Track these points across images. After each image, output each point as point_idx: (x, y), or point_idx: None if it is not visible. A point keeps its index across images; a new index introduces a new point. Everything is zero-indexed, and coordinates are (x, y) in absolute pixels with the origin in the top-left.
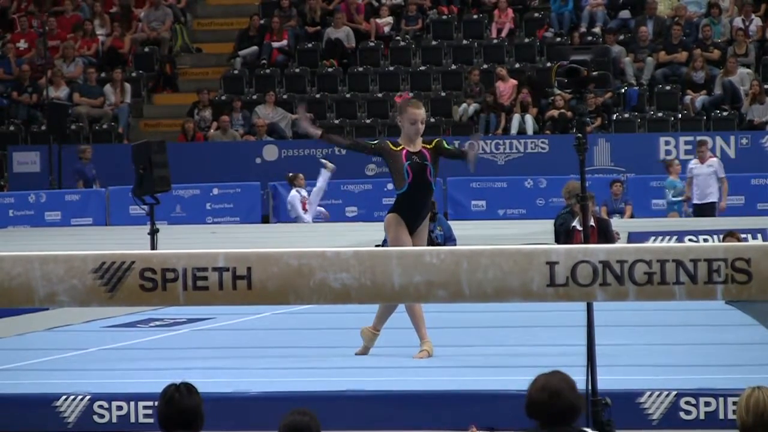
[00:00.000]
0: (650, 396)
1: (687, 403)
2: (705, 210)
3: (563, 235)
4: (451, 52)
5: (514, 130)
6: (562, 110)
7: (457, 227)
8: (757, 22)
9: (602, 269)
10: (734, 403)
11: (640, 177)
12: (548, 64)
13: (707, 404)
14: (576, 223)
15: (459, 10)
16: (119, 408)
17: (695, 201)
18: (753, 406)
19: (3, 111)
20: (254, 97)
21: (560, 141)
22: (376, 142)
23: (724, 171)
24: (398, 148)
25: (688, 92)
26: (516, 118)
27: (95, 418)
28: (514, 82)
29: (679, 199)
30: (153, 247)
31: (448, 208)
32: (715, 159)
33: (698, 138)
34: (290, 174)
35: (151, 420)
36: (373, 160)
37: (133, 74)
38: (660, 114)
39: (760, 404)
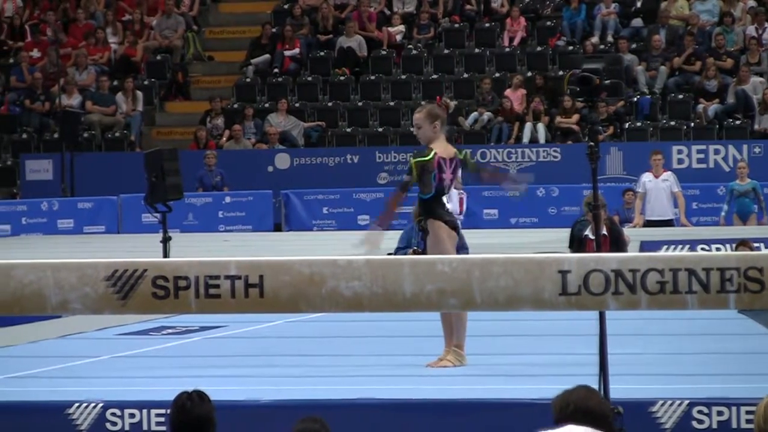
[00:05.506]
0: (663, 405)
1: (699, 412)
2: (659, 227)
3: (576, 241)
4: (463, 61)
5: (525, 139)
6: (571, 120)
7: (469, 236)
8: None
9: (614, 278)
10: (747, 412)
11: None
12: (560, 73)
13: (720, 413)
14: (588, 232)
15: (471, 18)
16: (132, 415)
17: (649, 217)
18: None
19: (15, 119)
20: (266, 105)
21: (572, 149)
22: (410, 176)
23: (679, 184)
24: (430, 157)
25: (701, 101)
26: (528, 126)
27: (108, 425)
28: (523, 91)
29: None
30: (165, 255)
31: None
32: (669, 172)
33: (656, 149)
34: None
35: (163, 428)
36: (385, 168)
37: (145, 82)
38: (672, 123)
39: None
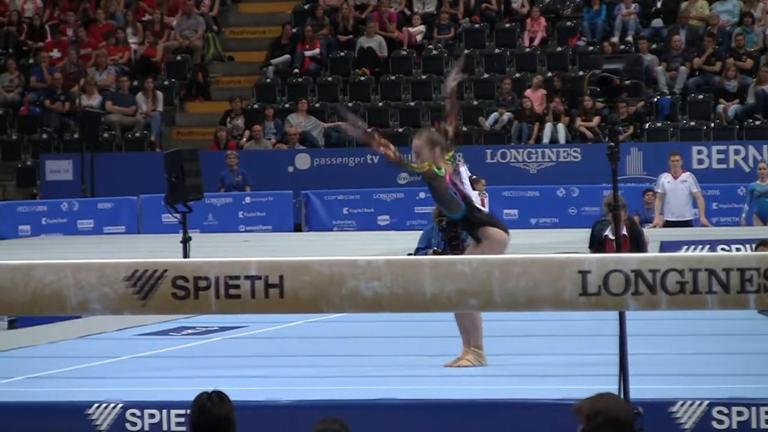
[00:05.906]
0: (682, 405)
1: (719, 412)
2: (679, 227)
3: (597, 241)
4: (484, 61)
5: (546, 139)
6: (591, 124)
7: None
8: None
9: (634, 278)
10: (767, 413)
11: None
12: (581, 73)
13: (740, 413)
14: (608, 232)
15: (491, 18)
16: (151, 416)
17: (668, 218)
18: None
19: (36, 119)
20: (286, 105)
21: (592, 150)
22: (415, 164)
23: (698, 185)
24: (442, 174)
25: (721, 101)
26: (548, 127)
27: (127, 425)
28: (543, 91)
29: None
30: (185, 255)
31: None
32: (688, 173)
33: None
34: (473, 176)
35: (183, 428)
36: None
37: (166, 82)
38: (692, 123)
39: None
